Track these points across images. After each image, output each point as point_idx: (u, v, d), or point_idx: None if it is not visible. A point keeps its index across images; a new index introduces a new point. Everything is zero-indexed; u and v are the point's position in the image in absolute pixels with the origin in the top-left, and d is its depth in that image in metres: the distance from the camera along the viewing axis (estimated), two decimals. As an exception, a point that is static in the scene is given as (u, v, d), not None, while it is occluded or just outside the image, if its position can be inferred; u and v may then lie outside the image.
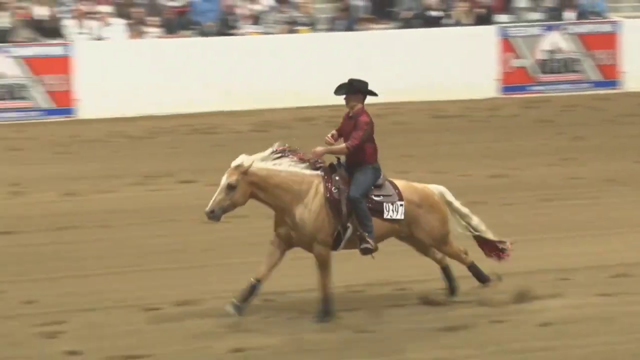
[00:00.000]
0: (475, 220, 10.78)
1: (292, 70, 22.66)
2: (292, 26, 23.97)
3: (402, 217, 10.40)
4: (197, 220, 13.25)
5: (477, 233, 10.77)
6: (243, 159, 10.05)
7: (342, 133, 10.42)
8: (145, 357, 9.31)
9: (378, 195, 10.33)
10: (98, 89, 21.72)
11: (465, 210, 10.79)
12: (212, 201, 9.99)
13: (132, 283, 11.50)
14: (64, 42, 22.35)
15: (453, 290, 10.73)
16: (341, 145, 10.30)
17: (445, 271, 10.75)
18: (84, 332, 9.90)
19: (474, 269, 10.71)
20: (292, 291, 10.87)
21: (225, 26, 23.75)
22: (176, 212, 14.57)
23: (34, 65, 21.71)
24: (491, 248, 10.82)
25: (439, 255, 10.72)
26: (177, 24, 23.55)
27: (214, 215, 10.02)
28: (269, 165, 10.13)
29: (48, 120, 21.65)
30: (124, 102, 21.88)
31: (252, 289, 10.12)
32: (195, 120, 21.71)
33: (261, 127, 21.20)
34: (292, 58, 22.83)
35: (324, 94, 21.01)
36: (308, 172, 10.20)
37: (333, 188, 10.17)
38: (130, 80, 21.93)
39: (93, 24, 22.99)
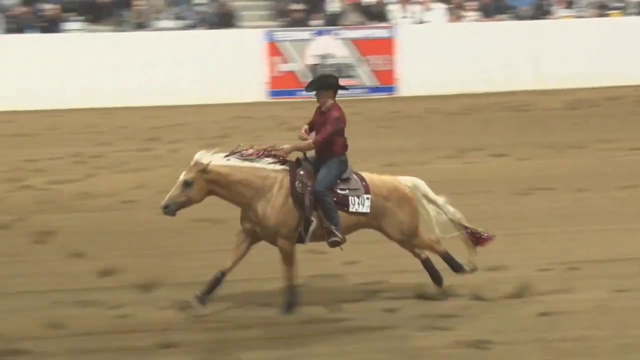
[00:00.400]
0: (451, 210, 10.60)
1: (602, 52, 23.52)
2: (603, 10, 24.73)
3: (368, 211, 10.30)
4: (508, 192, 14.48)
5: (458, 222, 10.57)
6: (201, 157, 9.98)
7: (313, 127, 10.38)
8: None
9: (344, 189, 10.25)
10: (417, 69, 23.31)
11: (441, 200, 10.59)
12: (168, 196, 9.97)
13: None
14: (388, 25, 24.10)
15: (438, 281, 10.52)
16: (308, 141, 10.26)
17: (426, 264, 10.58)
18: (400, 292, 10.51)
19: (447, 258, 10.51)
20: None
21: (540, 10, 24.86)
22: (489, 183, 15.31)
23: (361, 46, 23.56)
24: (473, 236, 10.64)
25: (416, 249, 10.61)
26: (494, 8, 24.81)
27: (168, 210, 9.98)
28: (230, 162, 10.07)
29: (372, 97, 23.35)
30: (440, 81, 23.36)
31: (216, 281, 10.07)
32: (507, 98, 22.68)
33: (572, 105, 22.03)
34: (603, 40, 23.66)
35: (633, 74, 22.16)
36: (273, 167, 10.15)
37: (297, 182, 10.11)
38: (447, 61, 23.43)
39: (416, 8, 24.67)
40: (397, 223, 10.36)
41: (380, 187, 10.37)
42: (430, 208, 10.60)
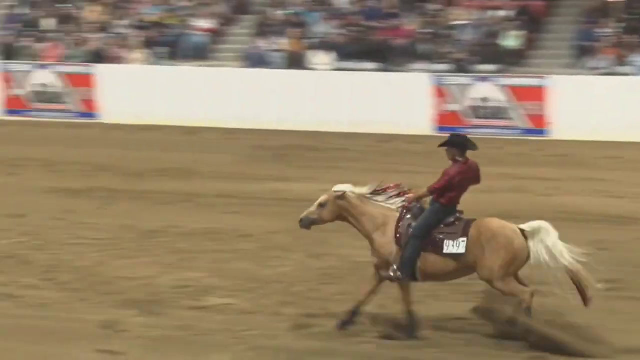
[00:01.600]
0: (568, 259, 10.76)
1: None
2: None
3: (463, 251, 10.93)
4: None
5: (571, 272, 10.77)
6: (342, 187, 11.45)
7: None
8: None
9: (442, 233, 11.09)
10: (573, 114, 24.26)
11: (561, 247, 10.78)
12: (305, 211, 11.56)
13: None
14: (541, 75, 25.21)
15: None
16: (424, 190, 11.29)
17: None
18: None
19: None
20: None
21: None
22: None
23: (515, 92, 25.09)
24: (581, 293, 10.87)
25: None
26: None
27: (302, 224, 11.56)
28: (364, 196, 11.43)
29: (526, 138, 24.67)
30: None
31: (352, 315, 11.44)
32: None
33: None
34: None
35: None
36: (391, 207, 11.35)
37: (400, 224, 11.23)
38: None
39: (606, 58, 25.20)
40: (484, 265, 10.90)
41: (479, 228, 10.96)
42: (544, 253, 10.81)
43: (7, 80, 26.80)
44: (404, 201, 11.34)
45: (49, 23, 28.46)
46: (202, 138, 24.69)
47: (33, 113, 26.82)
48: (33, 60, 27.21)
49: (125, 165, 21.05)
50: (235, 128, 25.14)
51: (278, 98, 25.63)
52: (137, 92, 26.13)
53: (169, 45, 27.73)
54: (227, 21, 28.73)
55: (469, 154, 11.25)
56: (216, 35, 28.15)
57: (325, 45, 26.80)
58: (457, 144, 11.21)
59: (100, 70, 26.72)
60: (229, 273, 13.91)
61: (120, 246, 15.19)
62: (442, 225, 11.11)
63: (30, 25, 28.48)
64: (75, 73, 26.78)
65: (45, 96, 26.75)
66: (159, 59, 27.44)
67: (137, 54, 27.20)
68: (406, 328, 11.29)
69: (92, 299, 12.81)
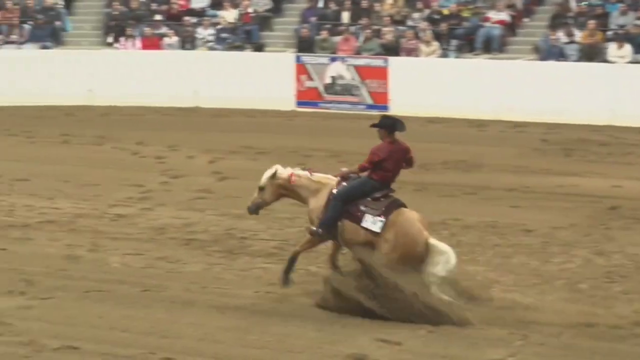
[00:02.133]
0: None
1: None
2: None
3: (379, 231, 11.77)
4: None
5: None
6: (274, 168, 12.54)
7: None
8: None
9: (366, 207, 11.90)
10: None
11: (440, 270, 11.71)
12: (250, 199, 12.65)
13: None
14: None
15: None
16: (355, 166, 12.31)
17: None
18: None
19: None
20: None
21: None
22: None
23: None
24: None
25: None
26: None
27: (250, 211, 12.73)
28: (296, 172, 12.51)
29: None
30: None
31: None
32: None
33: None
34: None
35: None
36: (329, 179, 12.35)
37: (334, 190, 12.11)
38: None
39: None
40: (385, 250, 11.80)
41: (399, 218, 11.85)
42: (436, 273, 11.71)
43: (302, 73, 27.49)
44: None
45: (345, 16, 29.01)
46: (489, 131, 24.45)
47: (324, 105, 27.33)
48: (328, 53, 27.80)
49: (411, 155, 21.10)
50: (524, 121, 24.74)
51: (570, 91, 24.97)
52: (427, 84, 26.12)
53: (462, 37, 27.59)
54: (522, 13, 28.26)
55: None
56: (510, 27, 27.75)
57: (623, 37, 25.85)
58: (385, 125, 12.05)
59: (393, 63, 26.94)
60: (510, 267, 13.75)
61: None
62: (369, 199, 11.91)
63: (327, 18, 29.13)
64: (368, 65, 27.11)
65: (337, 88, 27.32)
66: (451, 52, 27.37)
67: (431, 47, 27.24)
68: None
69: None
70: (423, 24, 27.90)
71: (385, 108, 26.49)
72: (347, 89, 27.15)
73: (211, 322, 11.66)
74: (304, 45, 28.15)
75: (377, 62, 27.03)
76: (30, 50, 28.39)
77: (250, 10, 29.37)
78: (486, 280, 12.94)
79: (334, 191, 12.12)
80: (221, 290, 12.77)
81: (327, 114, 26.76)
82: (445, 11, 28.26)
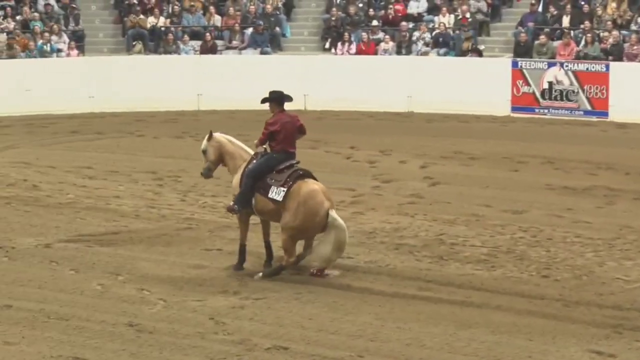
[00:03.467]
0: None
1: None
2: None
3: (281, 199, 12.95)
4: None
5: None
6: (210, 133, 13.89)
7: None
8: None
9: (272, 179, 13.12)
10: None
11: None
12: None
13: None
14: None
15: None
16: (255, 140, 13.52)
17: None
18: None
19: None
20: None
21: None
22: None
23: None
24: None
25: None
26: None
27: (204, 175, 14.12)
28: (230, 140, 13.87)
29: None
30: None
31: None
32: None
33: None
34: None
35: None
36: (248, 151, 13.71)
37: (249, 165, 13.39)
38: None
39: None
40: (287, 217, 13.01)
41: (301, 188, 13.00)
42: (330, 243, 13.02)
43: (518, 78, 27.04)
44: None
45: (565, 20, 28.40)
46: None
47: (541, 110, 26.88)
48: (546, 58, 27.28)
49: (630, 164, 20.48)
50: None
51: None
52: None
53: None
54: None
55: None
56: None
57: None
58: (274, 98, 13.50)
59: (615, 68, 26.17)
60: None
61: (618, 247, 14.77)
62: (274, 172, 13.19)
63: (547, 22, 28.60)
64: (587, 71, 26.45)
65: (555, 94, 26.70)
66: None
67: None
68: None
69: (585, 298, 12.58)
70: (647, 28, 27.06)
71: (604, 114, 25.84)
72: (565, 95, 26.55)
73: (419, 327, 11.61)
74: (522, 50, 27.73)
75: (598, 67, 26.32)
76: (249, 55, 29.14)
77: (467, 15, 29.16)
78: None
79: (246, 170, 13.41)
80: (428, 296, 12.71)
81: (543, 119, 26.30)
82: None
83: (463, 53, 28.25)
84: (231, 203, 13.48)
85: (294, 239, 13.12)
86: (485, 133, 24.30)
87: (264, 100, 13.55)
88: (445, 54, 28.39)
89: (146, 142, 23.36)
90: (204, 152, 13.97)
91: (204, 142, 13.96)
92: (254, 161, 13.43)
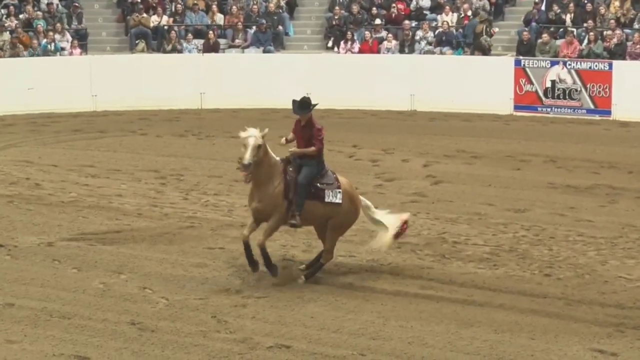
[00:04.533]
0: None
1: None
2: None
3: (341, 201, 12.63)
4: None
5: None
6: (252, 130, 12.42)
7: (297, 137, 12.81)
8: None
9: (322, 184, 12.63)
10: None
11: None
12: (246, 158, 12.27)
13: None
14: None
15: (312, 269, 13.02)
16: (312, 148, 12.63)
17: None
18: None
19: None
20: None
21: None
22: None
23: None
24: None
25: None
26: None
27: (248, 169, 12.36)
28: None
29: None
30: None
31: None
32: None
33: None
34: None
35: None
36: (275, 157, 12.70)
37: (287, 176, 12.57)
38: None
39: None
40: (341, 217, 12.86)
41: (346, 189, 12.85)
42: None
43: (521, 77, 27.00)
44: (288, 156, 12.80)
45: (568, 19, 28.36)
46: None
47: (543, 109, 26.82)
48: (549, 57, 27.24)
49: (632, 162, 20.46)
50: None
51: None
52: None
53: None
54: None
55: None
56: None
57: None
58: (308, 106, 12.79)
59: (618, 67, 26.13)
60: None
61: (620, 246, 14.76)
62: (318, 176, 12.68)
63: (550, 21, 28.57)
64: (590, 69, 26.42)
65: (557, 92, 26.65)
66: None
67: (656, 49, 26.36)
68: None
69: (588, 297, 12.56)
70: (650, 27, 27.03)
71: (607, 113, 25.79)
72: (568, 93, 26.52)
73: (421, 326, 11.60)
74: (525, 48, 27.70)
75: (601, 65, 26.28)
76: (252, 54, 29.12)
77: (469, 13, 29.13)
78: None
79: (298, 178, 12.63)
80: (431, 294, 12.70)
81: (545, 118, 26.23)
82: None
83: (476, 36, 28.15)
84: (294, 220, 12.75)
85: (342, 235, 13.21)
86: (488, 132, 24.27)
87: (311, 107, 12.86)
88: (454, 53, 28.35)
89: (149, 141, 23.35)
90: (259, 147, 12.47)
91: (260, 137, 12.52)
92: (290, 169, 12.70)
